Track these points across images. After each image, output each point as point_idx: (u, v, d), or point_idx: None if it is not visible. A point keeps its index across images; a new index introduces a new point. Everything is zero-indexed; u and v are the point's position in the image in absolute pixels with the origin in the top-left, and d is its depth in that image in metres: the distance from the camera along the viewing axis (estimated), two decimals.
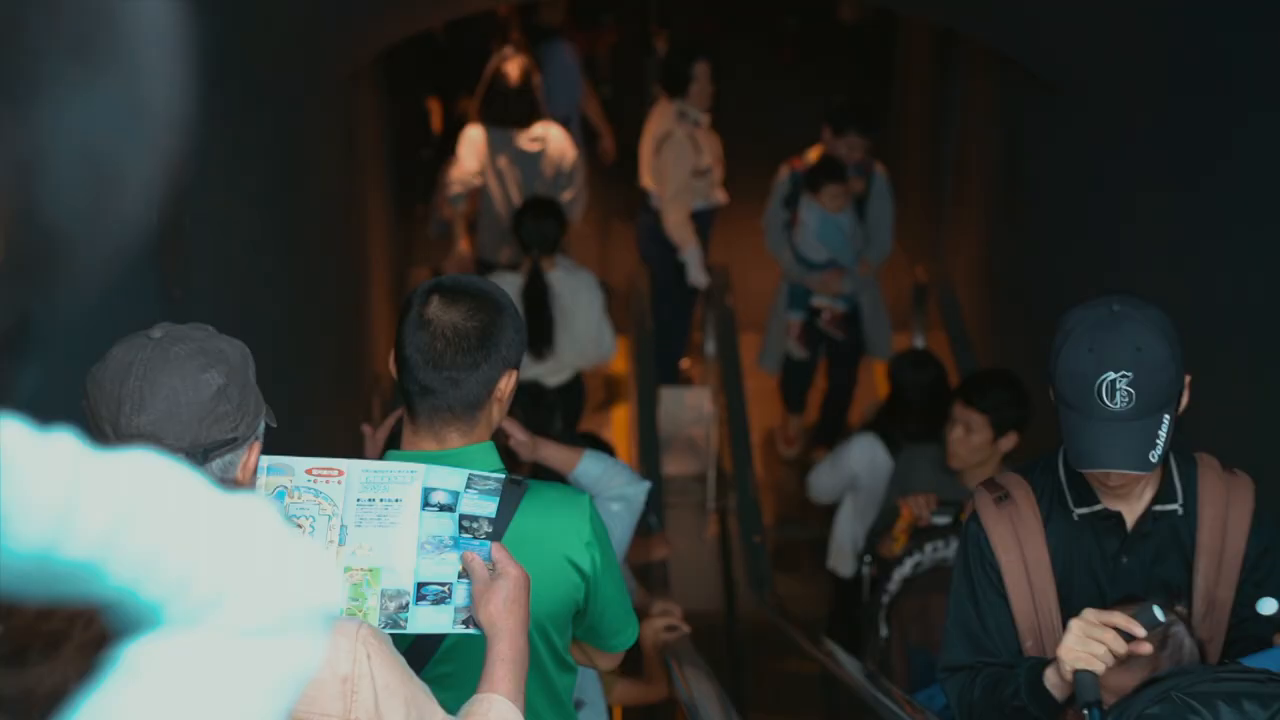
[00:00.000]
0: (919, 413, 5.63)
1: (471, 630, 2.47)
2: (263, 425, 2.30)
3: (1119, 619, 2.63)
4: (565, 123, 8.49)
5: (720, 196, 8.21)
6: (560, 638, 2.78)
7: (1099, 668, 2.62)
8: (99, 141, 0.62)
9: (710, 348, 8.44)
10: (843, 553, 6.11)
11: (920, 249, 9.35)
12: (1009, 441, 5.06)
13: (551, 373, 6.89)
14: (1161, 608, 2.66)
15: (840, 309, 7.74)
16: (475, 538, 2.53)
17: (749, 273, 9.00)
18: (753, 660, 6.56)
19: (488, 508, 2.56)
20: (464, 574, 2.51)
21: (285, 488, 2.56)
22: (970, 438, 5.03)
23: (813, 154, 7.57)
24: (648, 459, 6.95)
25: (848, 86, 11.43)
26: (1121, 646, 2.61)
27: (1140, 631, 2.62)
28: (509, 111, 7.80)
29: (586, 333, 6.76)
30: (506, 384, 2.71)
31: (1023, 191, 7.57)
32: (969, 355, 7.89)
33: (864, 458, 5.87)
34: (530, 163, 7.86)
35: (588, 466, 3.61)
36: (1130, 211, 5.89)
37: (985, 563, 2.96)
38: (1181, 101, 5.33)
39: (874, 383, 8.38)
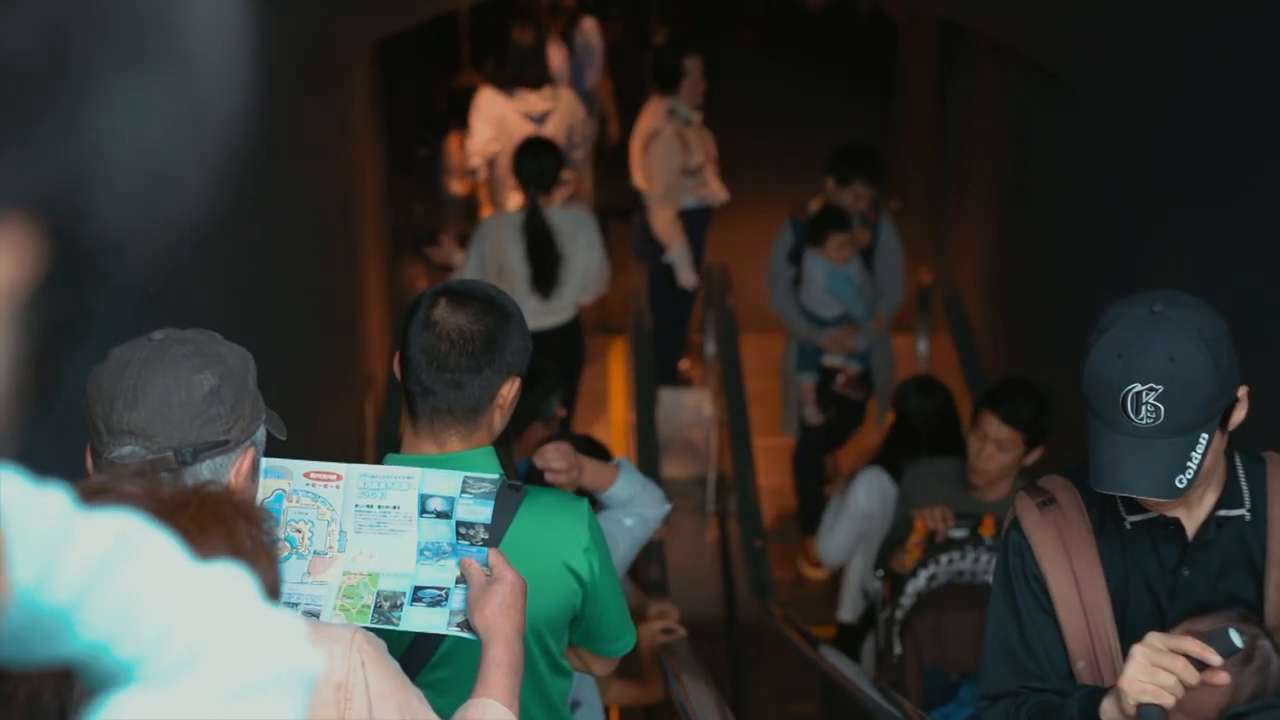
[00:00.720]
0: (927, 442, 5.37)
1: (466, 634, 2.47)
2: (262, 431, 2.30)
3: (1190, 645, 2.32)
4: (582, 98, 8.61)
5: (717, 194, 8.11)
6: (556, 643, 2.78)
7: (1168, 701, 2.31)
8: (153, 142, 0.64)
9: (710, 349, 8.38)
10: (852, 594, 5.76)
11: (922, 249, 9.26)
12: (1035, 455, 4.80)
13: (551, 312, 6.96)
14: (1239, 630, 2.36)
15: (855, 369, 7.20)
16: (472, 543, 2.54)
17: (750, 272, 8.88)
18: (753, 668, 6.51)
19: (483, 513, 2.55)
20: (461, 579, 2.52)
21: (284, 491, 2.57)
22: (1002, 455, 4.74)
23: (815, 204, 7.06)
24: (646, 462, 6.92)
25: (848, 75, 11.36)
26: (1193, 677, 2.31)
27: (1215, 660, 2.31)
28: (522, 73, 7.96)
29: (588, 269, 6.92)
30: (509, 390, 2.71)
31: (1033, 187, 7.49)
32: (975, 359, 7.83)
33: (873, 493, 5.50)
34: (542, 123, 7.99)
35: (622, 488, 3.52)
36: (1149, 209, 5.81)
37: (1029, 576, 2.66)
38: (1205, 100, 5.26)
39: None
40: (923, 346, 8.55)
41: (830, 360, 7.19)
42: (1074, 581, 2.62)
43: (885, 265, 7.17)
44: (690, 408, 8.06)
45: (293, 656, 1.17)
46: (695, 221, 8.06)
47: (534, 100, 7.92)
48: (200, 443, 2.19)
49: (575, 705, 3.65)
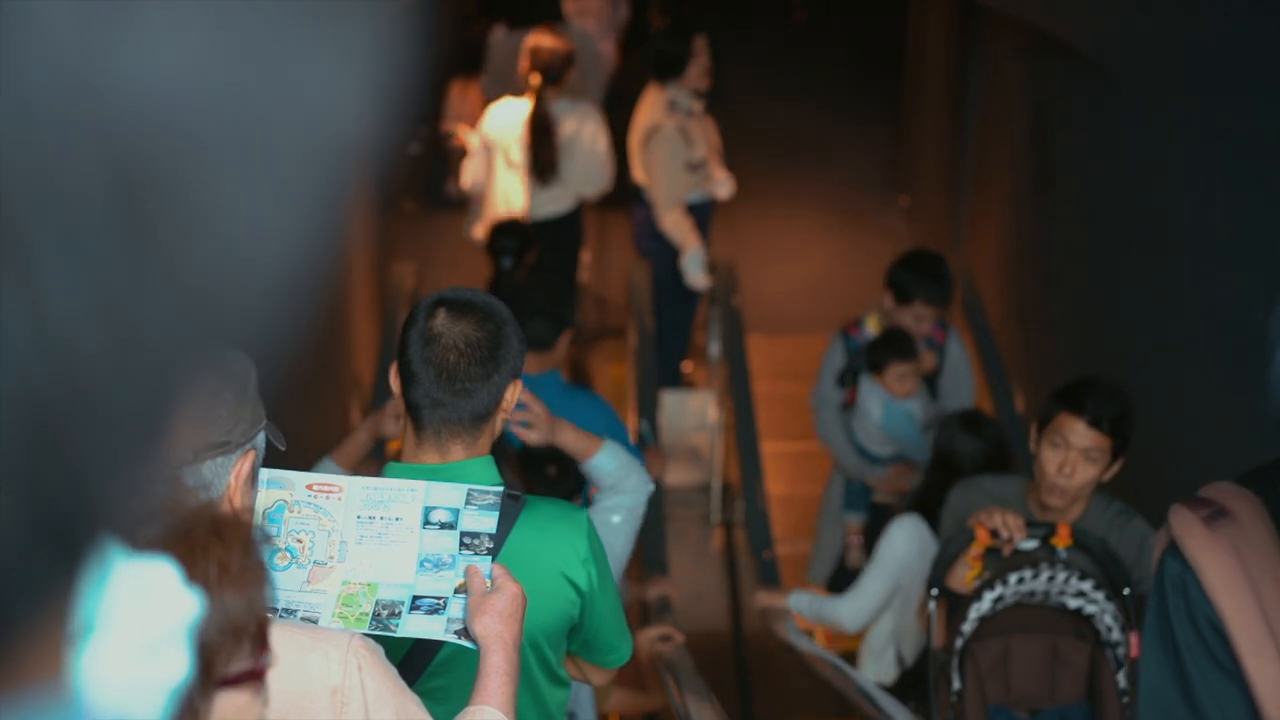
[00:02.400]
0: None
1: (465, 642, 2.53)
2: (261, 437, 2.34)
3: None
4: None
5: (723, 185, 7.84)
6: (554, 653, 2.83)
7: None
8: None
9: (714, 349, 8.21)
10: (879, 657, 5.08)
11: (938, 237, 9.04)
12: (1115, 468, 4.10)
13: (553, 200, 7.27)
14: None
15: None
16: (476, 553, 2.62)
17: (756, 269, 8.88)
18: (761, 685, 6.45)
19: (488, 524, 2.64)
20: (460, 589, 2.58)
21: (285, 502, 2.63)
22: (1090, 466, 4.02)
23: (872, 322, 6.12)
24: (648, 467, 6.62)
25: (859, 54, 11.19)
26: None
27: None
28: (534, 6, 8.16)
29: (592, 162, 7.24)
30: (512, 394, 2.79)
31: (1058, 176, 7.31)
32: (997, 360, 7.64)
33: (911, 543, 4.79)
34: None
35: (604, 460, 3.55)
36: (1182, 194, 5.64)
37: (1197, 618, 1.95)
38: (1237, 81, 5.09)
39: None
40: None
41: (883, 499, 6.25)
42: (1263, 619, 1.92)
43: (953, 393, 6.16)
44: (694, 411, 7.87)
45: None
46: (699, 216, 7.81)
47: (546, 37, 7.70)
48: (199, 443, 2.23)
49: (571, 716, 3.69)
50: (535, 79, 7.23)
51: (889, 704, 4.52)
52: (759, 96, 11.45)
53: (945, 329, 6.19)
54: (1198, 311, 5.50)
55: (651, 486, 3.63)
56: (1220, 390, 5.16)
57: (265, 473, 2.54)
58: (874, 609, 4.86)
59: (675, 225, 7.55)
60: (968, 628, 3.96)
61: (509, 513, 2.66)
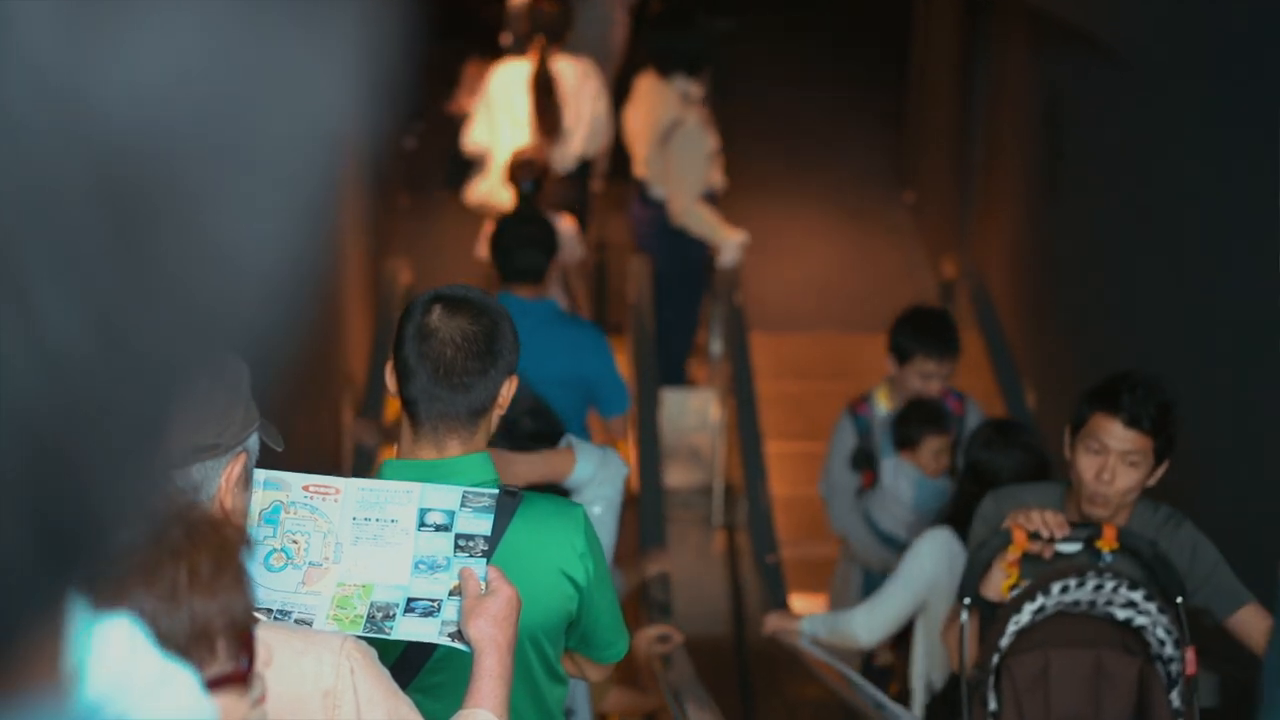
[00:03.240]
0: None
1: (458, 645, 2.55)
2: (255, 439, 2.36)
3: None
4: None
5: (719, 178, 7.86)
6: (553, 649, 2.86)
7: None
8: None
9: (716, 347, 8.16)
10: (917, 699, 4.68)
11: (944, 238, 9.04)
12: (1159, 473, 3.78)
13: (558, 159, 7.35)
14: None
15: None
16: (471, 555, 2.64)
17: (758, 265, 8.79)
18: (766, 695, 6.43)
19: (483, 525, 2.66)
20: (455, 591, 2.61)
21: (281, 503, 2.66)
22: (1131, 471, 3.71)
23: (882, 396, 5.66)
24: (647, 469, 6.80)
25: (861, 44, 11.08)
26: None
27: None
28: None
29: (594, 120, 7.43)
30: (508, 391, 2.82)
31: (1069, 167, 7.24)
32: (1008, 359, 7.53)
33: (940, 559, 4.45)
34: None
35: (583, 469, 3.65)
36: (1203, 192, 5.57)
37: None
38: (1261, 68, 5.05)
39: None
40: None
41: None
42: None
43: None
44: (695, 410, 7.84)
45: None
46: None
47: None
48: (189, 445, 2.21)
49: (569, 714, 3.76)
50: (538, 39, 7.40)
51: (902, 715, 4.32)
52: (758, 87, 11.38)
53: (962, 399, 5.69)
54: (1217, 306, 5.41)
55: (627, 468, 3.75)
56: (1241, 386, 5.10)
57: (261, 474, 2.56)
58: (892, 623, 4.57)
59: (707, 217, 7.56)
60: (1005, 642, 3.65)
61: (505, 509, 2.70)
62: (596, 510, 3.55)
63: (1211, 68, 5.50)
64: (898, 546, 5.36)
